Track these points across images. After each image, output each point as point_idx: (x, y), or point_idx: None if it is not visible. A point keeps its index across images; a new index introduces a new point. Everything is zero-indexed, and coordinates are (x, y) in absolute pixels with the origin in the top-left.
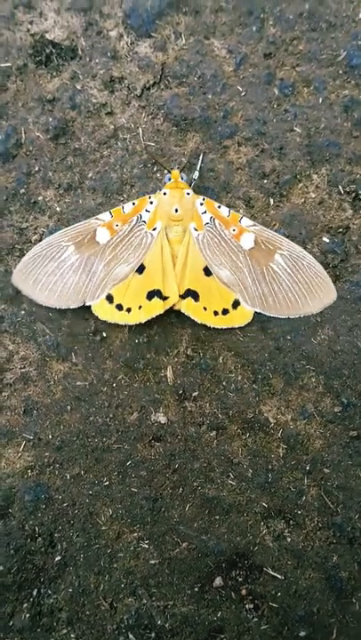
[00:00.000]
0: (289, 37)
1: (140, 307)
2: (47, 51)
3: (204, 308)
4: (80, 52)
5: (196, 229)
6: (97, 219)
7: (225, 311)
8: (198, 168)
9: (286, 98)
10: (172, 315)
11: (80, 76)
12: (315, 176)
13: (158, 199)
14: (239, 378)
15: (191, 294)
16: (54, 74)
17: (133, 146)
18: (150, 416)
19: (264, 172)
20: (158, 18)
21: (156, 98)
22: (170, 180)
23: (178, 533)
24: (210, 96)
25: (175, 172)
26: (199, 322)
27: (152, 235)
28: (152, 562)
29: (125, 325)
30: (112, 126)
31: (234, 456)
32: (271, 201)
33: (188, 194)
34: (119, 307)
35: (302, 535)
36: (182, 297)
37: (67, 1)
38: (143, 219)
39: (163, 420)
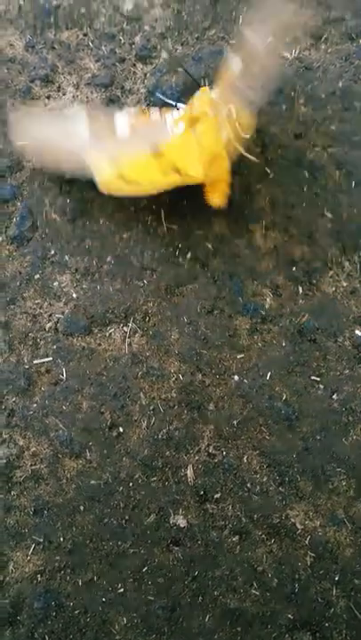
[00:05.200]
0: (320, 117)
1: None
2: None
3: None
4: None
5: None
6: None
7: None
8: None
9: (316, 181)
10: (194, 410)
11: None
12: (346, 263)
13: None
14: (265, 479)
15: None
16: None
17: (155, 228)
18: (169, 518)
19: (293, 259)
20: (182, 94)
21: None
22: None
23: None
24: (236, 178)
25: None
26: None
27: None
28: None
29: (143, 421)
30: (133, 207)
31: (258, 564)
32: (300, 289)
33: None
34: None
35: None
36: None
37: (87, 75)
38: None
39: (182, 523)
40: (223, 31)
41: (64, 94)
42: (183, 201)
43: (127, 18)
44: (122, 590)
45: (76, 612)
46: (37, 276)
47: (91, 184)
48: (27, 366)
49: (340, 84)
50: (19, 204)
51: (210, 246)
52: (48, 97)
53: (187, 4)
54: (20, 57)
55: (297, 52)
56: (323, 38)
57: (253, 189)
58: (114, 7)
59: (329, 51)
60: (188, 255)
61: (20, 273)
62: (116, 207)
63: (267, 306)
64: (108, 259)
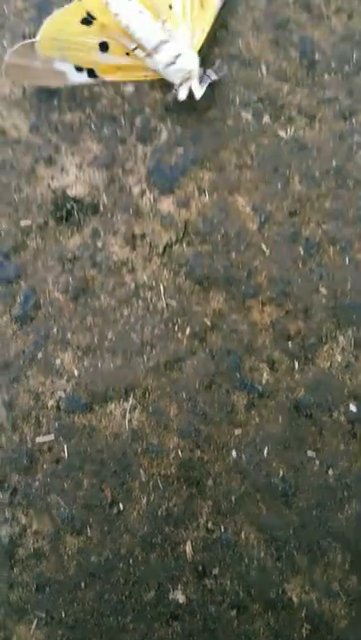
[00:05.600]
0: (315, 194)
1: None
2: (68, 206)
3: None
4: (102, 207)
5: None
6: None
7: None
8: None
9: (312, 257)
10: (193, 485)
11: (101, 233)
12: (341, 338)
13: None
14: (262, 555)
15: None
16: (75, 230)
17: (155, 304)
18: (168, 594)
19: (289, 334)
20: (182, 174)
21: (178, 255)
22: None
23: None
24: (233, 255)
25: None
26: None
27: None
28: None
29: (143, 497)
30: (133, 284)
31: (255, 636)
32: (296, 364)
33: None
34: None
35: None
36: None
37: (89, 156)
38: None
39: (181, 598)
40: (221, 112)
41: (67, 175)
42: (182, 277)
43: (128, 100)
44: None
45: None
46: (40, 355)
47: (93, 261)
48: (29, 445)
49: (334, 163)
50: (22, 283)
51: (208, 322)
52: (52, 177)
53: None
54: (24, 138)
55: (292, 131)
56: (317, 117)
57: (251, 266)
58: (115, 90)
59: (323, 130)
60: (187, 331)
61: (24, 352)
62: (116, 284)
63: (264, 381)
64: (109, 335)
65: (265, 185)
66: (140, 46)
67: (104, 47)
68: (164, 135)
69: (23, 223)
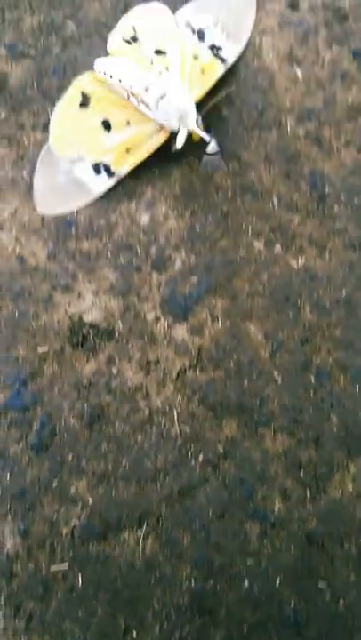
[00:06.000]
0: (325, 323)
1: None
2: (84, 332)
3: None
4: (117, 333)
5: None
6: None
7: None
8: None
9: (323, 386)
10: (205, 614)
11: (116, 359)
12: (352, 466)
13: None
14: None
15: None
16: (91, 355)
17: (168, 430)
18: None
19: (300, 463)
20: (196, 303)
21: (191, 381)
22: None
23: None
24: (246, 382)
25: None
26: None
27: None
28: None
29: (156, 626)
30: (147, 410)
31: None
32: (308, 493)
33: None
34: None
35: None
36: None
37: (105, 284)
38: None
39: None
40: (234, 242)
41: (84, 301)
42: (195, 403)
43: (143, 230)
44: None
45: None
46: (55, 483)
47: (108, 388)
48: (44, 573)
49: (344, 293)
50: (39, 409)
51: (221, 449)
52: (69, 304)
53: (199, 216)
54: (42, 266)
55: (303, 260)
56: (327, 248)
57: (263, 394)
58: (131, 219)
59: (333, 260)
60: (200, 458)
61: (39, 479)
62: (131, 410)
63: (276, 510)
64: (124, 462)
65: (277, 313)
66: (132, 93)
67: (107, 125)
68: (178, 264)
69: (40, 350)
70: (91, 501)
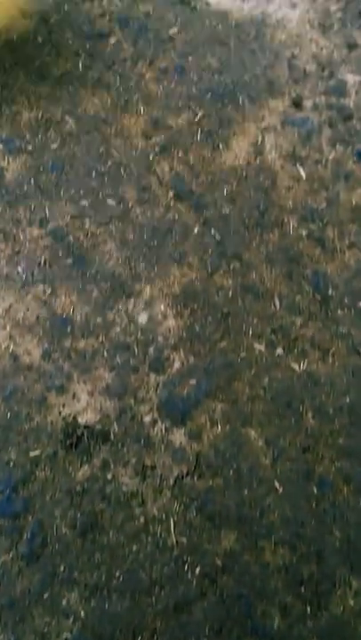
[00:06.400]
0: (328, 430)
1: None
2: (78, 433)
3: None
4: (112, 436)
5: None
6: None
7: None
8: None
9: (325, 496)
10: None
11: (111, 464)
12: (354, 582)
13: None
14: None
15: None
16: (85, 459)
17: (165, 540)
18: None
19: (301, 578)
20: (194, 407)
21: (189, 488)
22: None
23: None
24: (246, 491)
25: None
26: None
27: None
28: None
29: None
30: (143, 518)
31: None
32: (309, 609)
33: None
34: None
35: None
36: None
37: (101, 384)
38: None
39: None
40: (234, 344)
41: (78, 401)
42: (193, 512)
43: (141, 329)
44: None
45: None
46: (46, 594)
47: (102, 494)
48: None
49: (348, 399)
50: (30, 517)
51: (219, 562)
52: (63, 405)
53: (199, 316)
54: (36, 365)
55: (305, 364)
56: (330, 352)
57: (263, 504)
58: (129, 318)
59: (336, 365)
60: (197, 570)
61: (30, 590)
62: (126, 518)
63: (275, 627)
64: (117, 574)
65: (278, 419)
66: None
67: None
68: (176, 365)
69: (32, 453)
70: (83, 614)
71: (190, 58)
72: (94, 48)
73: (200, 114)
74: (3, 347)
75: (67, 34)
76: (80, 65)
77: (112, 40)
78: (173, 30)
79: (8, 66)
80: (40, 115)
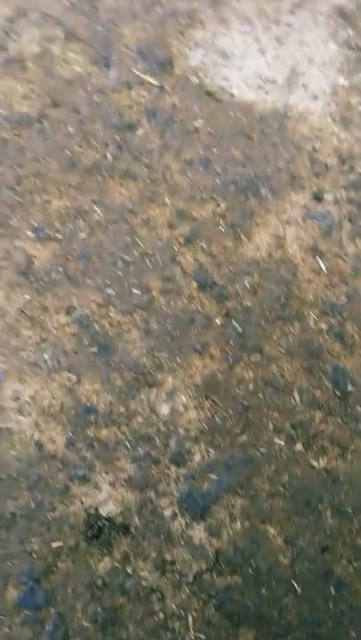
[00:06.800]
0: (347, 530)
1: None
2: (100, 525)
3: None
4: (133, 529)
5: None
6: None
7: None
8: None
9: (343, 598)
10: None
11: (131, 558)
12: None
13: None
14: None
15: None
16: (105, 551)
17: (183, 637)
18: None
19: None
20: (214, 502)
21: (208, 585)
22: None
23: None
24: (264, 590)
25: None
26: None
27: None
28: None
29: None
30: (162, 614)
31: None
32: None
33: None
34: None
35: None
36: None
37: (123, 475)
38: None
39: None
40: (254, 438)
41: (100, 492)
42: (211, 609)
43: (163, 420)
44: None
45: None
46: None
47: (122, 589)
48: None
49: None
50: (51, 609)
51: None
52: (85, 495)
53: (219, 408)
54: (60, 454)
55: (325, 461)
56: (350, 449)
57: (282, 604)
58: (151, 408)
59: (355, 463)
60: None
61: None
62: (145, 613)
63: None
64: None
65: (297, 517)
66: None
67: None
68: (197, 458)
69: (54, 544)
70: None
71: (215, 150)
72: (123, 139)
73: (223, 205)
74: (28, 434)
75: (97, 124)
76: (109, 155)
77: (140, 131)
78: (199, 122)
79: (41, 155)
80: (69, 204)
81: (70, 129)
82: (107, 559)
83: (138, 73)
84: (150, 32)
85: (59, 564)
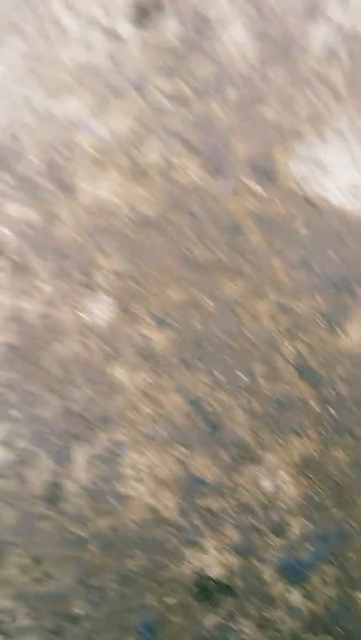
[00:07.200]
0: None
1: None
2: (207, 584)
3: None
4: (237, 590)
5: None
6: None
7: None
8: None
9: None
10: None
11: (235, 615)
12: None
13: None
14: None
15: None
16: (212, 608)
17: None
18: None
19: None
20: (310, 569)
21: None
22: None
23: None
24: None
25: None
26: None
27: None
28: None
29: None
30: None
31: None
32: None
33: None
34: None
35: None
36: None
37: (227, 542)
38: None
39: None
40: (347, 513)
41: (207, 555)
42: None
43: (264, 494)
44: None
45: None
46: None
47: None
48: None
49: None
50: None
51: None
52: (194, 558)
53: (316, 485)
54: (172, 519)
55: None
56: None
57: None
58: (254, 482)
59: None
60: None
61: None
62: None
63: None
64: None
65: None
66: None
67: None
68: (295, 530)
69: (168, 600)
70: None
71: (313, 251)
72: (232, 240)
73: (321, 301)
74: (144, 500)
75: (209, 227)
76: (220, 254)
77: (247, 233)
78: (299, 226)
79: (159, 251)
80: (185, 296)
81: (186, 229)
82: (213, 615)
83: (246, 181)
84: (257, 145)
85: (171, 618)
